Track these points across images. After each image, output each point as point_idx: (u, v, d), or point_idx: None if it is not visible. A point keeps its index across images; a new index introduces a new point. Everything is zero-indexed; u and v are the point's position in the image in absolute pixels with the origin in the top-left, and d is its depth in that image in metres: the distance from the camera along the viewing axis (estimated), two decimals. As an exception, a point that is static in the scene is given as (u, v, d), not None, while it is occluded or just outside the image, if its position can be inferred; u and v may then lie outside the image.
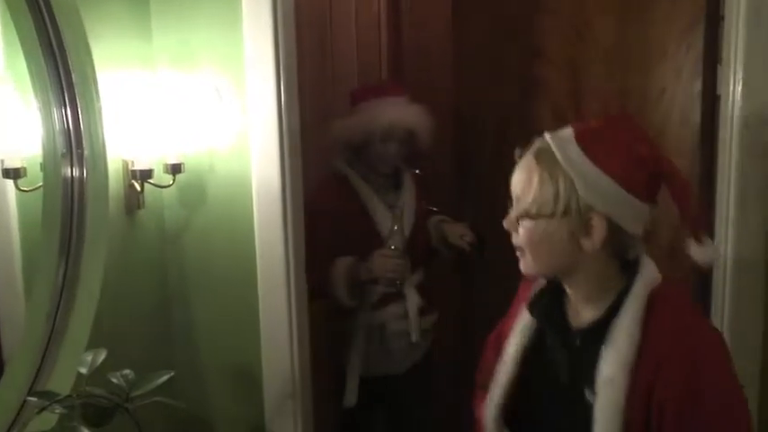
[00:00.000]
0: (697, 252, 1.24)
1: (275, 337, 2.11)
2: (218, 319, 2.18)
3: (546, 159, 1.23)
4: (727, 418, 1.19)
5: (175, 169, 2.04)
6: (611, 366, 1.21)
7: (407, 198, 2.57)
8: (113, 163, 1.94)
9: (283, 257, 2.06)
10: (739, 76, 1.75)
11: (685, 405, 1.17)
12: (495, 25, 2.86)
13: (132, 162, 1.99)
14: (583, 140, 1.23)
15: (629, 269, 1.28)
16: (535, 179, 1.23)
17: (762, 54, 1.72)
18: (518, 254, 1.32)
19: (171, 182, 2.06)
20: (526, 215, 1.24)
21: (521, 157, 1.29)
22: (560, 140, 1.24)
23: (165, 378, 1.76)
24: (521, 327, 1.42)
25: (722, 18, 1.81)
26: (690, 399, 1.17)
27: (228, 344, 2.18)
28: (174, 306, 2.22)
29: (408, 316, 2.51)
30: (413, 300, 2.52)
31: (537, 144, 1.28)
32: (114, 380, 1.73)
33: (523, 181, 1.26)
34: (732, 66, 1.76)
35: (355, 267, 2.41)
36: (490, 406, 1.41)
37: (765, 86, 1.73)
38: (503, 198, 1.32)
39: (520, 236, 1.28)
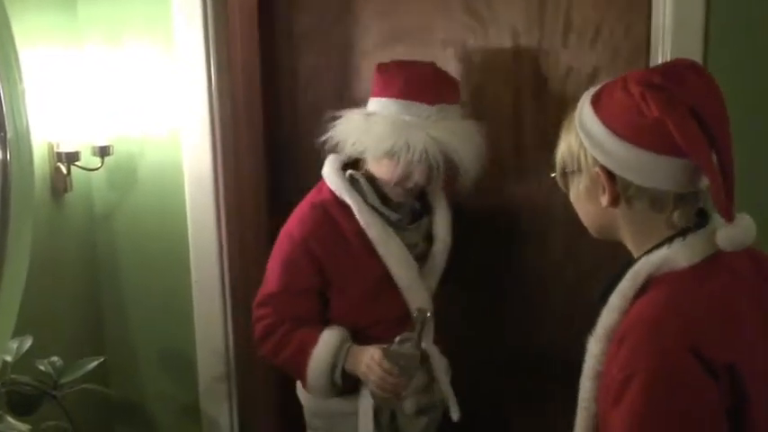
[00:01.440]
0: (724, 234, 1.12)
1: (209, 319, 2.11)
2: (150, 302, 2.15)
3: (571, 118, 1.24)
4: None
5: (104, 152, 1.99)
6: (599, 328, 1.16)
7: (441, 233, 1.85)
8: (38, 145, 1.89)
9: (216, 239, 2.05)
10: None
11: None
12: None
13: (58, 144, 1.94)
14: (594, 96, 1.20)
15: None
16: (560, 141, 1.25)
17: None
18: None
19: (99, 164, 2.01)
20: (557, 173, 1.25)
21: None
22: (583, 98, 1.23)
23: (94, 364, 1.74)
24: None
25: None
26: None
27: (161, 327, 2.16)
28: (105, 291, 2.18)
29: (437, 384, 1.84)
30: (440, 364, 1.84)
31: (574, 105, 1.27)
32: (42, 367, 1.70)
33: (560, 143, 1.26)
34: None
35: (343, 352, 1.72)
36: None
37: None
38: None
39: (571, 199, 1.28)
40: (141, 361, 2.19)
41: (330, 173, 1.76)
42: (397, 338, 1.63)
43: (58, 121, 1.91)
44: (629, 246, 1.23)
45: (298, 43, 2.14)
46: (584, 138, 1.18)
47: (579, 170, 1.21)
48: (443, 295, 1.86)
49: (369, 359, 1.66)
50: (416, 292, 1.76)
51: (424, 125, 1.65)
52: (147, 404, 2.20)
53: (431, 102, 1.66)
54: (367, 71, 2.00)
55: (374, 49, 2.05)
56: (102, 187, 2.11)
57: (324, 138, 1.71)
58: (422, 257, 1.82)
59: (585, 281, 2.00)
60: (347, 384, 1.74)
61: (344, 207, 1.73)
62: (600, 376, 1.16)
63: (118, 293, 2.18)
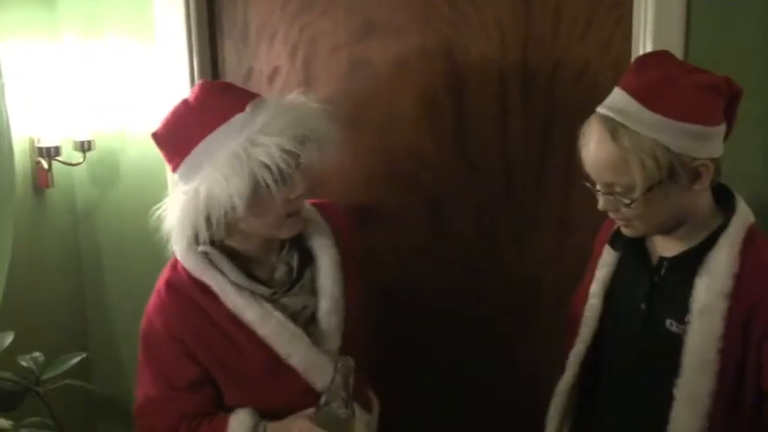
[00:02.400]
0: None
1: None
2: (133, 298, 2.14)
3: (624, 135, 1.19)
4: None
5: (85, 147, 1.98)
6: (708, 294, 1.22)
7: (326, 286, 1.51)
8: (19, 140, 1.88)
9: (200, 235, 2.03)
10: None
11: None
12: None
13: (38, 139, 1.92)
14: (649, 101, 1.20)
15: (724, 209, 1.30)
16: (631, 159, 1.19)
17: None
18: (620, 224, 1.32)
19: (81, 160, 2.00)
20: (640, 193, 1.20)
21: (585, 141, 1.27)
22: (627, 112, 1.20)
23: (76, 360, 1.74)
24: (602, 262, 1.44)
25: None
26: None
27: (145, 323, 2.15)
28: (87, 286, 2.17)
29: None
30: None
31: (600, 124, 1.24)
32: (24, 363, 1.70)
33: (611, 165, 1.22)
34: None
35: None
36: (575, 348, 1.45)
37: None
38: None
39: (628, 212, 1.26)
40: (124, 357, 2.18)
41: (181, 250, 1.45)
42: (322, 400, 1.41)
43: (39, 116, 1.90)
44: (697, 219, 1.29)
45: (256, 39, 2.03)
46: (675, 139, 1.19)
47: (672, 175, 1.21)
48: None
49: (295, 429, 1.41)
50: (316, 368, 1.46)
51: (258, 131, 1.35)
52: (131, 400, 2.18)
53: (240, 108, 1.38)
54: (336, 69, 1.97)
55: (344, 45, 1.95)
56: (84, 182, 2.10)
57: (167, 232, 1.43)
58: (313, 319, 1.51)
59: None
60: None
61: (205, 288, 1.44)
62: (723, 354, 1.22)
63: (100, 288, 2.17)
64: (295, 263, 1.51)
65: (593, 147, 1.24)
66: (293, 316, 1.47)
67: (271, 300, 1.46)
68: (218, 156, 1.34)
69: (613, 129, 1.21)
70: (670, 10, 1.72)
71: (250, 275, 1.46)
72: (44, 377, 1.68)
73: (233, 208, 1.32)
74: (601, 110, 1.26)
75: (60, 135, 1.94)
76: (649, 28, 1.74)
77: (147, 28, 1.97)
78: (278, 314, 1.45)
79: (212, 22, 2.02)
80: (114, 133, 2.05)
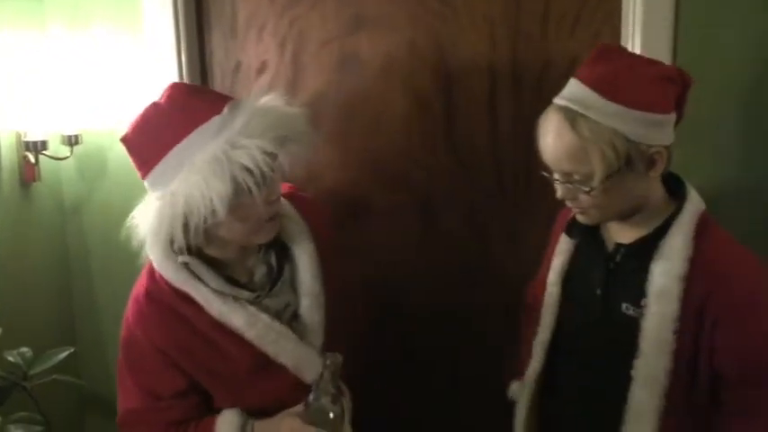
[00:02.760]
0: None
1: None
2: (120, 292, 2.12)
3: (583, 125, 1.23)
4: None
5: (73, 141, 1.97)
6: (664, 278, 1.28)
7: (306, 283, 1.50)
8: (6, 134, 1.86)
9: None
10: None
11: (743, 318, 1.25)
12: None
13: (25, 133, 1.91)
14: (606, 91, 1.23)
15: (675, 197, 1.35)
16: (590, 148, 1.22)
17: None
18: (578, 211, 1.35)
19: (68, 154, 1.99)
20: (598, 182, 1.25)
21: (544, 132, 1.29)
22: (585, 101, 1.24)
23: (64, 355, 1.73)
24: (558, 250, 1.49)
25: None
26: (749, 312, 1.25)
27: (133, 318, 2.14)
28: (75, 280, 2.16)
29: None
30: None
31: (558, 114, 1.27)
32: (11, 358, 1.69)
33: (570, 155, 1.25)
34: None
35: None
36: (539, 336, 1.48)
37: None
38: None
39: (585, 201, 1.29)
40: (111, 352, 2.17)
41: (159, 261, 1.41)
42: (310, 396, 1.40)
43: (26, 110, 1.89)
44: (651, 206, 1.33)
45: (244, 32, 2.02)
46: (633, 128, 1.23)
47: (630, 163, 1.24)
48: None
49: (284, 427, 1.40)
50: (305, 362, 1.45)
51: (238, 134, 1.30)
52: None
53: (217, 110, 1.32)
54: (326, 62, 1.96)
55: (334, 39, 1.94)
56: (71, 177, 2.09)
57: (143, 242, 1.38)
58: (295, 316, 1.50)
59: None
60: None
61: (186, 298, 1.40)
62: (681, 333, 1.27)
63: (88, 283, 2.16)
64: (274, 262, 1.48)
65: (553, 137, 1.27)
66: (277, 315, 1.46)
67: (254, 303, 1.43)
68: (197, 159, 1.28)
69: (573, 119, 1.24)
70: (659, 4, 1.73)
71: (230, 280, 1.43)
72: (32, 372, 1.67)
73: (213, 212, 1.27)
74: (559, 101, 1.29)
75: (47, 129, 1.92)
76: (638, 23, 1.74)
77: (135, 20, 1.96)
78: (264, 316, 1.42)
79: (200, 15, 2.01)
80: (102, 127, 2.03)
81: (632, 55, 1.35)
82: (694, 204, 1.32)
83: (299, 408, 1.41)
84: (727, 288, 1.26)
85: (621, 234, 1.38)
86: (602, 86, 1.24)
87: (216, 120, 1.31)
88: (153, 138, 1.33)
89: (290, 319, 1.49)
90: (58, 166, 2.05)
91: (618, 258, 1.38)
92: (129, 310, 1.45)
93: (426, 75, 1.92)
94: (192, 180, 1.27)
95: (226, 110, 1.32)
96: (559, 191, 1.32)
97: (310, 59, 1.97)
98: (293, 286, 1.50)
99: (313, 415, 1.39)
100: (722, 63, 1.72)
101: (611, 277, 1.38)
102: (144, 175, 1.36)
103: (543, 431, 1.55)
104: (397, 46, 1.91)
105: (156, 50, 1.96)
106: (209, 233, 1.35)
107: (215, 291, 1.40)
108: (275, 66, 1.99)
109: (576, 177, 1.27)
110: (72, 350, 1.78)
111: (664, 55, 1.72)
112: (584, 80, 1.27)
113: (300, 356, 1.45)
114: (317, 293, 1.49)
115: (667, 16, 1.73)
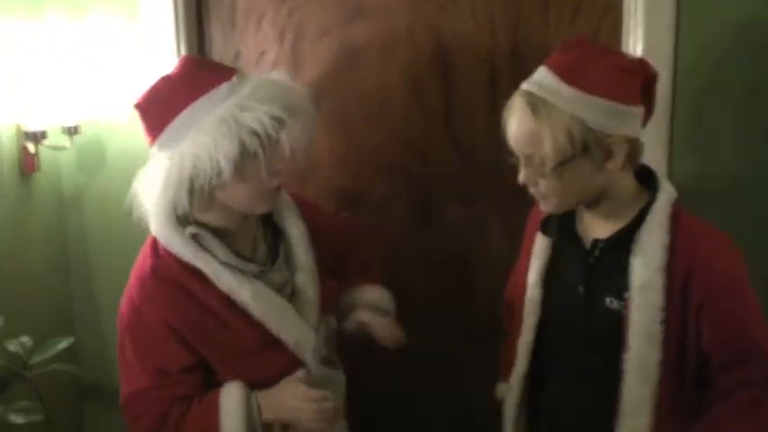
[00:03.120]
0: None
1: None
2: (120, 282, 2.11)
3: (543, 109, 1.25)
4: (757, 312, 1.30)
5: (72, 131, 1.97)
6: (645, 270, 1.29)
7: (301, 259, 1.55)
8: (5, 124, 1.86)
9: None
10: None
11: (726, 297, 1.27)
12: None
13: (25, 124, 1.91)
14: (567, 77, 1.26)
15: (647, 187, 1.36)
16: (544, 132, 1.25)
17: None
18: (539, 199, 1.36)
19: (68, 144, 1.99)
20: (551, 167, 1.27)
21: (508, 115, 1.32)
22: (547, 86, 1.27)
23: (64, 344, 1.73)
24: (536, 251, 1.49)
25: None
26: (732, 290, 1.28)
27: (133, 308, 2.14)
28: (75, 270, 2.16)
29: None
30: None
31: (521, 98, 1.30)
32: (11, 347, 1.69)
33: (529, 137, 1.28)
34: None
35: (254, 407, 1.44)
36: (523, 337, 1.49)
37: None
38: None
39: (543, 186, 1.31)
40: (111, 342, 2.16)
41: (167, 234, 1.41)
42: (309, 363, 1.45)
43: (26, 100, 1.88)
44: (607, 206, 1.34)
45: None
46: (591, 114, 1.24)
47: (586, 149, 1.26)
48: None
49: (293, 399, 1.43)
50: (304, 340, 1.48)
51: (247, 98, 1.34)
52: (118, 384, 2.19)
53: (228, 77, 1.37)
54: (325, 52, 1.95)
55: (333, 28, 1.94)
56: (71, 167, 2.09)
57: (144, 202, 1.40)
58: (293, 293, 1.54)
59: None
60: None
61: (194, 272, 1.41)
62: (667, 322, 1.28)
63: (87, 273, 2.16)
64: (271, 239, 1.53)
65: (515, 120, 1.30)
66: (278, 291, 1.49)
67: (259, 277, 1.46)
68: (205, 121, 1.32)
69: (533, 103, 1.27)
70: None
71: (236, 254, 1.45)
72: (32, 361, 1.68)
73: (219, 173, 1.31)
74: (524, 85, 1.32)
75: (47, 119, 1.92)
76: (640, 14, 1.74)
77: (134, 11, 1.95)
78: (268, 291, 1.46)
79: (199, 4, 2.00)
80: (101, 118, 2.03)
81: (600, 46, 1.38)
82: (667, 193, 1.33)
83: (300, 373, 1.45)
84: (707, 272, 1.28)
85: (598, 228, 1.39)
86: (564, 72, 1.27)
87: (225, 86, 1.35)
88: (163, 102, 1.37)
89: (290, 295, 1.53)
90: (58, 157, 2.05)
91: (596, 253, 1.38)
92: (133, 289, 1.44)
93: (425, 64, 1.92)
94: (200, 140, 1.31)
95: (235, 78, 1.37)
96: (521, 175, 1.33)
97: (309, 49, 1.97)
98: (288, 265, 1.54)
99: (317, 378, 1.42)
100: (724, 55, 1.71)
101: (591, 273, 1.39)
102: (153, 140, 1.39)
103: (532, 429, 1.55)
104: (396, 35, 1.91)
105: (156, 41, 1.95)
106: (212, 197, 1.38)
107: (223, 263, 1.41)
108: (274, 55, 1.98)
109: (536, 160, 1.29)
110: (72, 339, 1.78)
111: (665, 47, 1.72)
112: (550, 67, 1.30)
113: (300, 333, 1.48)
114: (311, 267, 1.54)
115: (669, 7, 1.72)
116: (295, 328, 1.47)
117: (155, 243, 1.44)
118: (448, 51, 1.91)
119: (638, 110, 1.30)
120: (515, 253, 1.95)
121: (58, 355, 1.73)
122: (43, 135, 1.91)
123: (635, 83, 1.29)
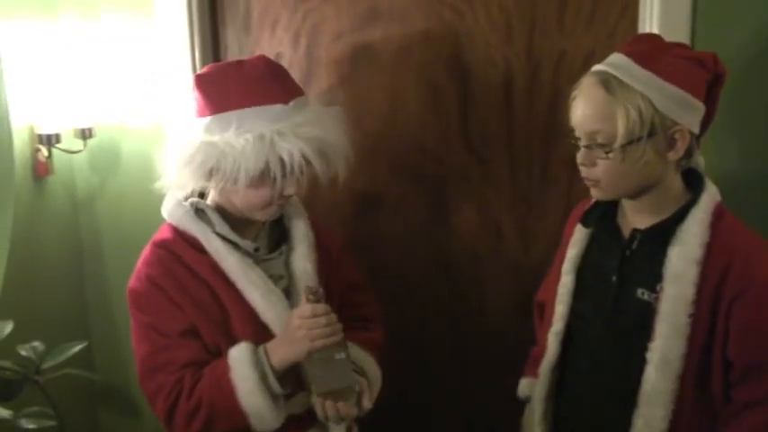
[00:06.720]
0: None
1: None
2: (134, 287, 2.13)
3: (617, 86, 1.28)
4: None
5: (86, 134, 1.97)
6: (680, 261, 1.30)
7: (299, 264, 1.57)
8: (19, 127, 1.86)
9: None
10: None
11: (759, 298, 1.27)
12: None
13: (38, 126, 1.91)
14: (641, 60, 1.29)
15: (692, 186, 1.38)
16: (616, 107, 1.27)
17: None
18: (589, 184, 1.38)
19: (81, 147, 1.99)
20: (619, 145, 1.28)
21: (576, 94, 1.35)
22: (622, 67, 1.30)
23: (77, 349, 1.72)
24: (573, 241, 1.51)
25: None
26: (762, 298, 1.27)
27: (146, 312, 2.13)
28: (88, 274, 2.16)
29: None
30: None
31: (594, 76, 1.33)
32: (23, 352, 1.68)
33: (600, 113, 1.30)
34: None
35: (262, 356, 1.44)
36: (554, 326, 1.50)
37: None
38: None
39: (601, 167, 1.32)
40: (126, 345, 2.16)
41: (170, 206, 1.53)
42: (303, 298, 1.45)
43: (39, 103, 1.88)
44: (652, 199, 1.36)
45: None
46: (661, 98, 1.27)
47: (652, 133, 1.28)
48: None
49: (297, 323, 1.40)
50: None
51: (290, 129, 1.40)
52: (132, 389, 2.18)
53: (285, 100, 1.43)
54: (339, 56, 1.95)
55: (347, 32, 1.93)
56: (84, 170, 2.08)
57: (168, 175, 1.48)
58: (288, 295, 1.54)
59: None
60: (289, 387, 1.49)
61: (190, 242, 1.48)
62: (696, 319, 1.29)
63: (101, 277, 2.15)
64: (276, 230, 1.61)
65: (584, 96, 1.33)
66: (272, 279, 1.52)
67: (253, 257, 1.51)
68: (246, 127, 1.39)
69: (606, 80, 1.30)
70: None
71: (235, 230, 1.51)
72: (44, 366, 1.67)
73: (235, 180, 1.40)
74: (597, 66, 1.35)
75: (60, 122, 1.92)
76: (656, 16, 1.72)
77: (149, 14, 1.95)
78: (258, 269, 1.50)
79: (214, 9, 1.99)
80: (115, 121, 2.03)
81: (671, 41, 1.40)
82: (711, 195, 1.35)
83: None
84: (742, 275, 1.28)
85: (639, 219, 1.40)
86: (638, 56, 1.30)
87: (279, 107, 1.42)
88: (224, 89, 1.44)
89: (285, 293, 1.54)
90: (71, 160, 2.05)
91: (634, 245, 1.39)
92: (139, 263, 1.53)
93: (441, 68, 1.90)
94: (235, 144, 1.38)
95: (292, 103, 1.44)
96: (579, 155, 1.34)
97: (324, 53, 1.96)
98: (287, 269, 1.57)
99: (313, 294, 1.43)
100: (740, 58, 1.69)
101: (626, 264, 1.40)
102: (200, 113, 1.45)
103: (555, 423, 1.55)
104: (411, 38, 1.89)
105: (170, 45, 1.95)
106: (223, 189, 1.47)
107: (218, 234, 1.49)
108: (289, 59, 1.97)
109: (599, 139, 1.30)
110: (85, 344, 1.77)
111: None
112: (623, 52, 1.33)
113: (285, 321, 1.46)
114: (309, 274, 1.55)
115: (685, 10, 1.71)
116: (282, 316, 1.47)
117: (161, 227, 1.54)
118: (463, 55, 1.89)
119: (700, 105, 1.32)
120: (528, 256, 1.97)
121: (72, 360, 1.72)
122: (57, 138, 1.91)
123: (703, 76, 1.32)
